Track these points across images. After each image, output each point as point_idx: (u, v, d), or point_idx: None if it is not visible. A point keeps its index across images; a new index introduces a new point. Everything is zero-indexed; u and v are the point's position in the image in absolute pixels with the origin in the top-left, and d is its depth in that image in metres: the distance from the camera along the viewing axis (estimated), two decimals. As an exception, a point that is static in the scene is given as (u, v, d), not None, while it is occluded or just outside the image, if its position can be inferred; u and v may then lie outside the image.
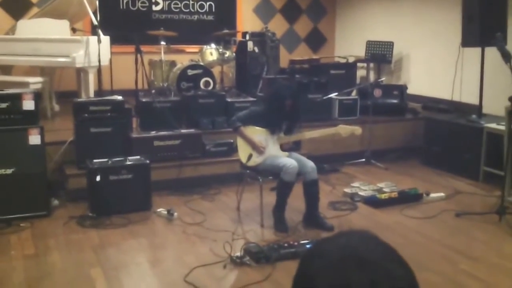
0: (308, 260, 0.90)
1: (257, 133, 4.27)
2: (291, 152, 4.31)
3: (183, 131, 5.37)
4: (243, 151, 4.27)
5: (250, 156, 4.20)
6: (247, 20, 8.50)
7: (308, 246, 3.57)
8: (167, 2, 8.02)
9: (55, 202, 4.63)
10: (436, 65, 7.10)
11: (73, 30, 6.33)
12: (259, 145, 4.22)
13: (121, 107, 5.08)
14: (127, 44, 6.48)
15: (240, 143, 4.30)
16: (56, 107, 6.58)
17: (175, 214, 4.40)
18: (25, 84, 5.72)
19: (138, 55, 5.65)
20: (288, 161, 4.08)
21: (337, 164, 6.01)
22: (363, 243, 0.90)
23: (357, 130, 4.20)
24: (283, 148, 4.27)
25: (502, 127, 5.12)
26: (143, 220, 4.37)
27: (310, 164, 4.17)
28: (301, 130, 4.55)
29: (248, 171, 4.33)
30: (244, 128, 4.25)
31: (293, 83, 6.08)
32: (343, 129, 4.22)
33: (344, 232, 0.95)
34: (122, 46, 6.97)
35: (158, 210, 4.50)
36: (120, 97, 5.14)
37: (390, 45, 7.49)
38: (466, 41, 5.76)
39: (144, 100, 5.71)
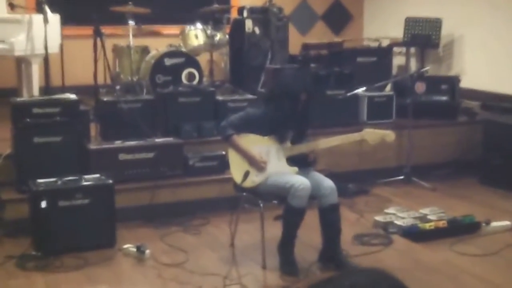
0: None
1: (256, 143, 4.31)
2: (309, 168, 4.36)
3: (158, 140, 5.41)
4: (237, 168, 4.32)
5: (246, 174, 4.24)
6: (245, -9, 8.58)
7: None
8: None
9: (-13, 237, 4.68)
10: (499, 50, 7.13)
11: (11, 6, 6.39)
12: (259, 159, 4.26)
13: (75, 109, 5.13)
14: (84, 25, 6.55)
15: (233, 157, 4.35)
16: (-11, 110, 6.65)
17: (147, 252, 4.44)
18: None
19: (98, 40, 5.72)
20: (298, 179, 4.12)
21: (365, 183, 6.04)
22: (372, 285, 0.94)
23: (389, 135, 4.24)
24: (297, 161, 4.31)
25: None
26: (105, 260, 4.40)
27: (328, 183, 4.21)
28: (314, 137, 4.59)
29: (244, 194, 4.37)
30: (239, 137, 4.30)
31: (307, 75, 6.13)
32: (370, 135, 4.27)
33: (348, 272, 0.99)
34: (76, 28, 7.04)
35: (125, 246, 4.53)
36: (73, 96, 5.19)
37: (437, 23, 7.53)
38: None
39: (106, 99, 5.76)
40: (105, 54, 5.77)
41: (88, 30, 6.05)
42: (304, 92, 4.26)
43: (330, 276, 0.98)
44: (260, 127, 4.33)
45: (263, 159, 4.27)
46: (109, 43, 6.26)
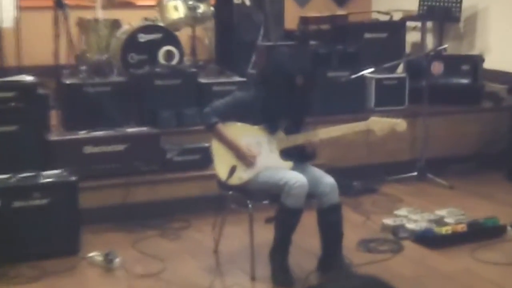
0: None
1: (244, 133, 4.31)
2: (306, 163, 4.35)
3: (131, 130, 5.42)
4: (222, 162, 4.31)
5: (233, 170, 4.23)
6: (233, -45, 8.55)
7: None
8: None
9: None
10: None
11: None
12: (248, 152, 4.26)
13: (33, 93, 5.11)
14: (43, -5, 6.53)
15: (218, 149, 4.34)
16: None
17: (117, 260, 4.44)
18: None
19: (60, 12, 5.69)
20: (293, 176, 4.12)
21: (373, 180, 6.07)
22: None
23: (399, 124, 4.25)
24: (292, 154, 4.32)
25: None
26: (67, 270, 4.39)
27: (328, 180, 4.21)
28: (313, 126, 4.60)
29: (230, 192, 4.37)
30: (224, 126, 4.30)
31: (305, 54, 6.13)
32: (378, 124, 4.27)
33: (339, 277, 1.00)
34: (35, -2, 7.03)
35: (91, 254, 4.53)
36: (30, 78, 5.18)
37: (457, -7, 7.55)
38: None
39: (69, 82, 5.74)
40: (68, 29, 5.74)
41: (48, 1, 6.02)
42: (300, 74, 4.25)
43: (320, 282, 1.00)
44: (249, 115, 4.33)
45: (253, 152, 4.26)
46: (73, 16, 6.23)
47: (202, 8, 6.88)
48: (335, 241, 4.27)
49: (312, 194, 4.18)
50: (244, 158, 4.25)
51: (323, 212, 4.23)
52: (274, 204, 4.23)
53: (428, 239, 4.80)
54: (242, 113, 4.33)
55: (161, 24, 6.65)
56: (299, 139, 4.34)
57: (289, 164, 4.28)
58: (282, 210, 4.14)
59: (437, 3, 7.61)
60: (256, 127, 4.32)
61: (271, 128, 4.32)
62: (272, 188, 4.17)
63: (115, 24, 6.75)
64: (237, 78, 6.21)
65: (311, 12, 8.28)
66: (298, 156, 4.35)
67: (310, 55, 6.27)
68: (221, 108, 4.32)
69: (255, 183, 4.27)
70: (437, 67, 6.60)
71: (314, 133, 4.38)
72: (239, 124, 4.32)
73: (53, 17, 5.81)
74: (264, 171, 4.25)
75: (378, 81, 6.47)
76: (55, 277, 4.30)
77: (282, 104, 4.30)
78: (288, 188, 4.06)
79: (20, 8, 6.42)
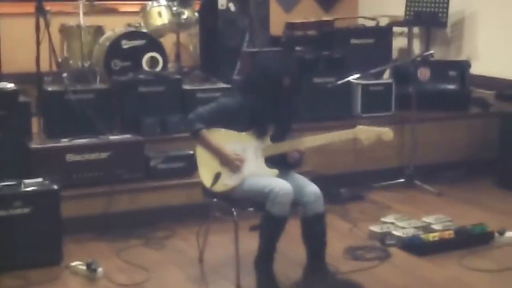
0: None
1: (229, 139, 4.32)
2: (290, 170, 4.37)
3: (114, 138, 5.42)
4: (206, 169, 4.32)
5: (217, 176, 4.25)
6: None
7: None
8: None
9: None
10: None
11: None
12: (233, 158, 4.28)
13: (14, 100, 5.11)
14: (24, 1, 6.52)
15: (203, 156, 4.35)
16: None
17: (100, 270, 4.43)
18: None
19: (41, 18, 5.69)
20: (278, 183, 4.12)
21: (360, 187, 6.09)
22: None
23: (386, 133, 4.27)
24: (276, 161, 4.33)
25: None
26: (49, 280, 4.38)
27: (312, 189, 4.21)
28: (299, 133, 4.61)
29: (215, 200, 4.39)
30: (209, 132, 4.31)
31: (291, 58, 6.15)
32: (364, 132, 4.29)
33: (329, 283, 1.02)
34: (15, 4, 7.00)
35: (73, 264, 4.52)
36: (11, 85, 5.17)
37: (444, -2, 7.60)
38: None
39: (51, 89, 5.74)
40: (50, 36, 5.74)
41: (30, 7, 6.02)
42: (286, 76, 4.27)
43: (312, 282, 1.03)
44: (235, 121, 4.33)
45: (238, 159, 4.27)
46: (55, 22, 6.23)
47: (186, 14, 6.90)
48: (319, 249, 4.27)
49: (296, 202, 4.18)
50: (230, 163, 4.25)
51: (306, 221, 4.22)
52: (259, 212, 4.22)
53: (415, 246, 4.82)
54: (227, 119, 4.33)
55: (144, 30, 6.68)
56: (285, 146, 4.34)
57: (275, 171, 4.29)
58: (267, 218, 4.13)
59: (424, 9, 7.66)
60: (241, 133, 4.32)
61: (257, 134, 4.32)
62: (257, 196, 4.17)
63: (98, 31, 6.76)
64: (222, 85, 6.21)
65: (297, 17, 8.31)
66: (283, 163, 4.36)
67: (296, 60, 6.28)
68: (205, 114, 4.32)
69: (240, 190, 4.27)
70: (424, 73, 6.63)
71: (300, 141, 4.39)
72: (224, 130, 4.32)
73: (34, 24, 5.80)
74: (249, 178, 4.25)
75: (365, 87, 6.49)
76: (37, 287, 4.29)
77: (269, 109, 4.30)
78: (273, 196, 4.06)
79: (0, 15, 6.41)
